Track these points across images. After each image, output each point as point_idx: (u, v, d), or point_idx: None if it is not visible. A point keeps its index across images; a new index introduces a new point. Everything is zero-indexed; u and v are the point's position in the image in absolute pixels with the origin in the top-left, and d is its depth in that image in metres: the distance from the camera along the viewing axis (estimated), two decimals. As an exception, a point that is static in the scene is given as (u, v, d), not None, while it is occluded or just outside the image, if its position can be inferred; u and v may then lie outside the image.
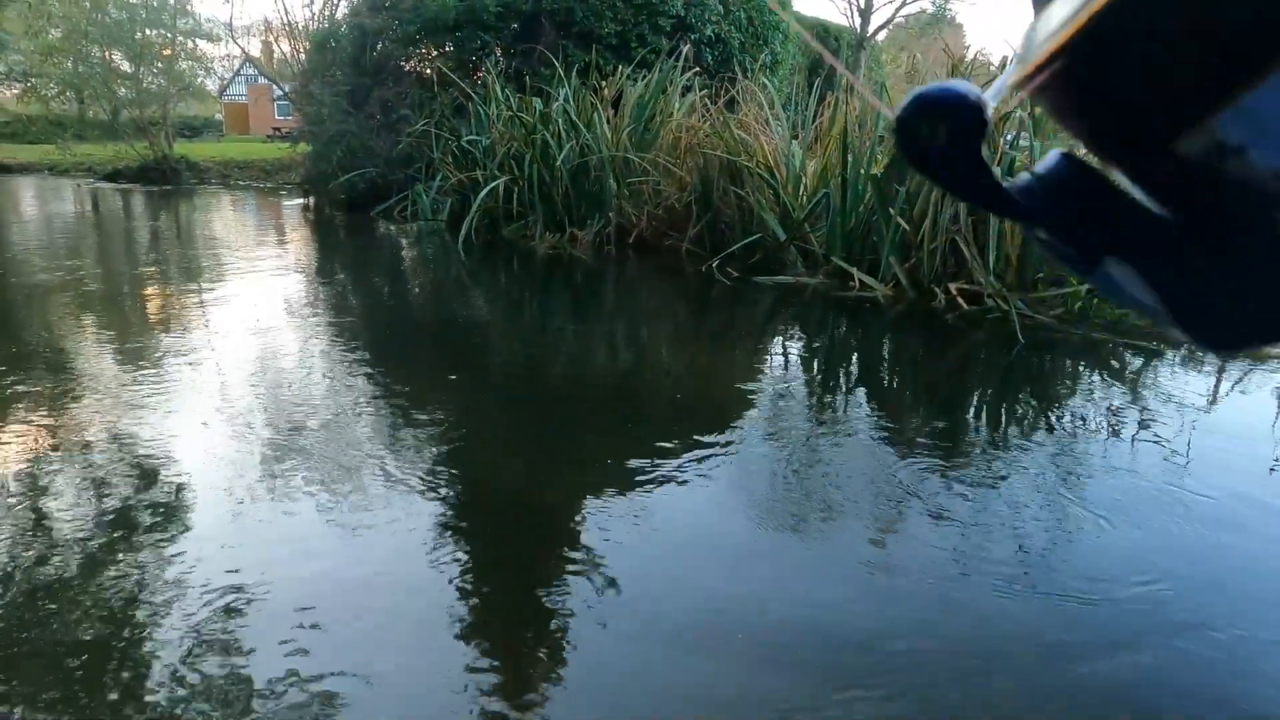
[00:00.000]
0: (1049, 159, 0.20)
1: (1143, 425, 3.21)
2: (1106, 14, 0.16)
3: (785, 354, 4.47)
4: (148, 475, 2.45)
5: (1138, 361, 4.21)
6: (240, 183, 17.30)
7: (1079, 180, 0.20)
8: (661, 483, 2.48)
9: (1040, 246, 0.21)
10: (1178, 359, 4.22)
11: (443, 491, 2.43)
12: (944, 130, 0.20)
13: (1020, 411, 3.57)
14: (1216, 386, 3.85)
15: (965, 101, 0.20)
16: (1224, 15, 0.16)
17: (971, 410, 3.58)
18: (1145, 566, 2.06)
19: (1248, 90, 0.16)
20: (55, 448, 2.66)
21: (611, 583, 1.93)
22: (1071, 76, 0.17)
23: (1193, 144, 0.17)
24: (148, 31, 19.21)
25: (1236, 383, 3.91)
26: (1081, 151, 0.21)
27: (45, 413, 2.98)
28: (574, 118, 7.63)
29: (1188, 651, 1.74)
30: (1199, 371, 4.06)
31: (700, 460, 2.67)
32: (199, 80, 23.60)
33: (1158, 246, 0.19)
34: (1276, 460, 2.87)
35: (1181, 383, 3.84)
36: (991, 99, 0.21)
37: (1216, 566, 2.10)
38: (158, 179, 17.33)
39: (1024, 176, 0.21)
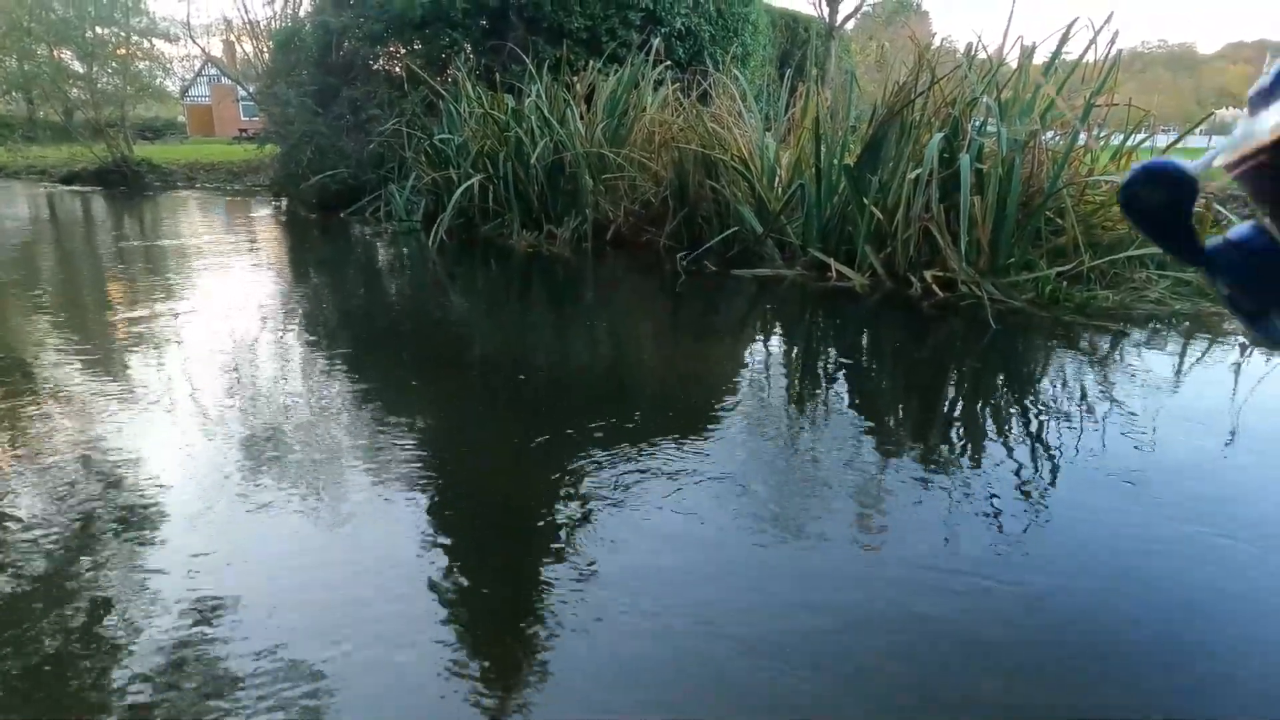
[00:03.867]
0: (1241, 228, 0.25)
1: (1111, 402, 3.31)
2: None
3: (766, 346, 4.53)
4: (120, 482, 2.45)
5: (1105, 342, 4.33)
6: (207, 185, 17.02)
7: (1264, 248, 0.24)
8: (643, 475, 2.52)
9: (1220, 297, 0.26)
10: (1143, 339, 4.35)
11: (420, 491, 2.46)
12: (1163, 195, 0.24)
13: (995, 393, 3.66)
14: (1180, 364, 3.97)
15: (1184, 176, 0.25)
16: None
17: (948, 393, 3.66)
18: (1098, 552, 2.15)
19: None
20: (22, 457, 2.65)
21: (594, 576, 1.97)
22: (1272, 170, 0.22)
23: None
24: (99, 30, 18.74)
25: (1198, 360, 4.04)
26: (1268, 223, 0.25)
27: (11, 422, 2.96)
28: (547, 114, 7.63)
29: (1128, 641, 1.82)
30: (1163, 351, 4.19)
31: (682, 453, 2.71)
32: (158, 81, 23.13)
33: None
34: (1232, 434, 2.98)
35: (1147, 361, 3.96)
36: (1198, 172, 0.26)
37: (1179, 554, 2.19)
38: (118, 182, 16.99)
39: (1218, 239, 0.26)
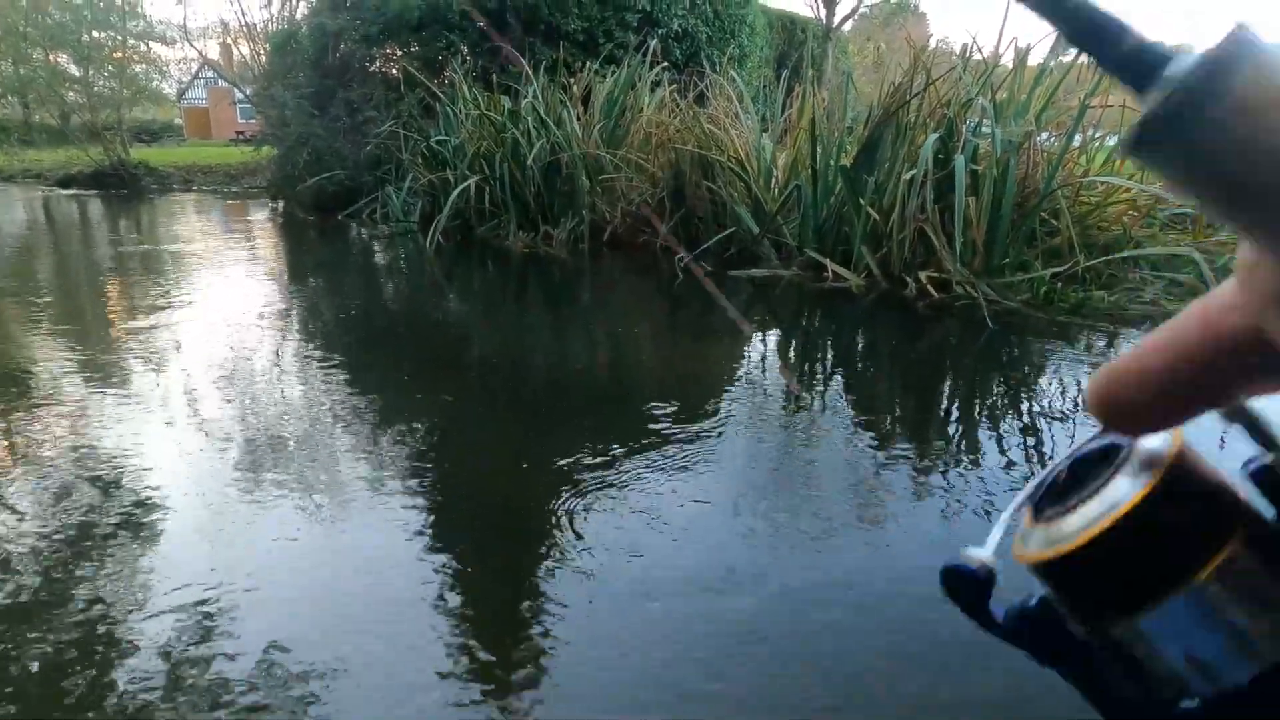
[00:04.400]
0: (1031, 599, 0.26)
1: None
2: (1099, 541, 0.22)
3: (763, 346, 4.54)
4: (121, 486, 2.46)
5: (1100, 342, 4.35)
6: (204, 188, 17.00)
7: (1047, 619, 0.26)
8: (642, 474, 2.53)
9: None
10: (1137, 339, 4.36)
11: (419, 491, 2.46)
12: (963, 599, 0.25)
13: (991, 393, 3.67)
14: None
15: (974, 576, 0.25)
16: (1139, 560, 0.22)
17: (944, 393, 3.68)
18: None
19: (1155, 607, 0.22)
20: (22, 459, 2.66)
21: (591, 575, 1.98)
22: (1062, 570, 0.23)
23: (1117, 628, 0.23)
24: (95, 34, 18.72)
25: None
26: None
27: (9, 425, 2.96)
28: (543, 115, 7.64)
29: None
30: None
31: (680, 454, 2.72)
32: (155, 84, 23.08)
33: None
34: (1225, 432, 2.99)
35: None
36: (990, 561, 0.26)
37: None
38: (115, 185, 16.95)
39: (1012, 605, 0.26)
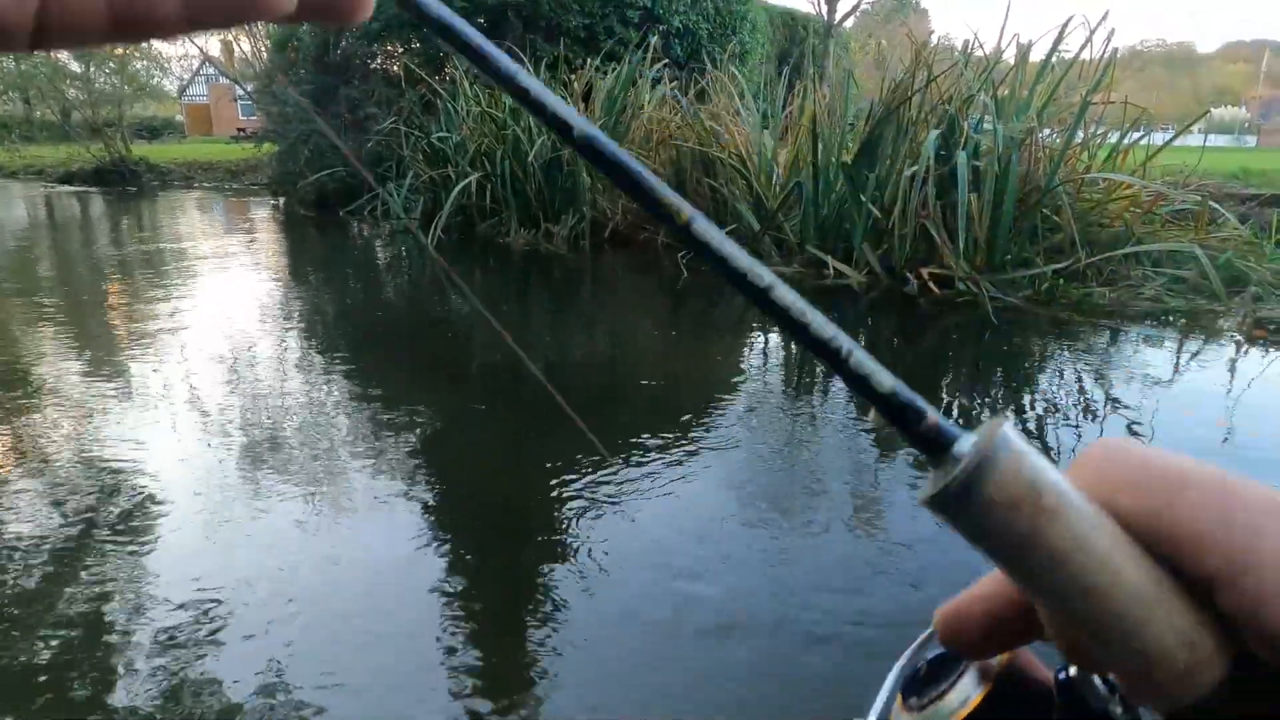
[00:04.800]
0: None
1: (1107, 397, 3.32)
2: None
3: (764, 344, 4.53)
4: (123, 485, 2.46)
5: (1101, 339, 4.34)
6: (205, 184, 17.00)
7: None
8: (644, 472, 2.53)
9: None
10: (1140, 336, 4.36)
11: (420, 491, 2.46)
12: None
13: (992, 389, 3.67)
14: (1175, 361, 3.98)
15: None
16: None
17: (945, 389, 3.67)
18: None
19: None
20: (26, 458, 2.66)
21: (592, 574, 1.98)
22: None
23: None
24: (96, 30, 18.72)
25: (1194, 357, 4.05)
26: None
27: (15, 423, 2.96)
28: (545, 112, 7.62)
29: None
30: (1159, 347, 4.20)
31: (681, 450, 2.72)
32: (155, 80, 23.07)
33: None
34: (1229, 430, 2.99)
35: (1143, 358, 3.98)
36: None
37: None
38: (116, 181, 16.95)
39: None
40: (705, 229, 0.22)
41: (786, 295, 0.21)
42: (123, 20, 0.22)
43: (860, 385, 0.21)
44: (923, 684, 0.29)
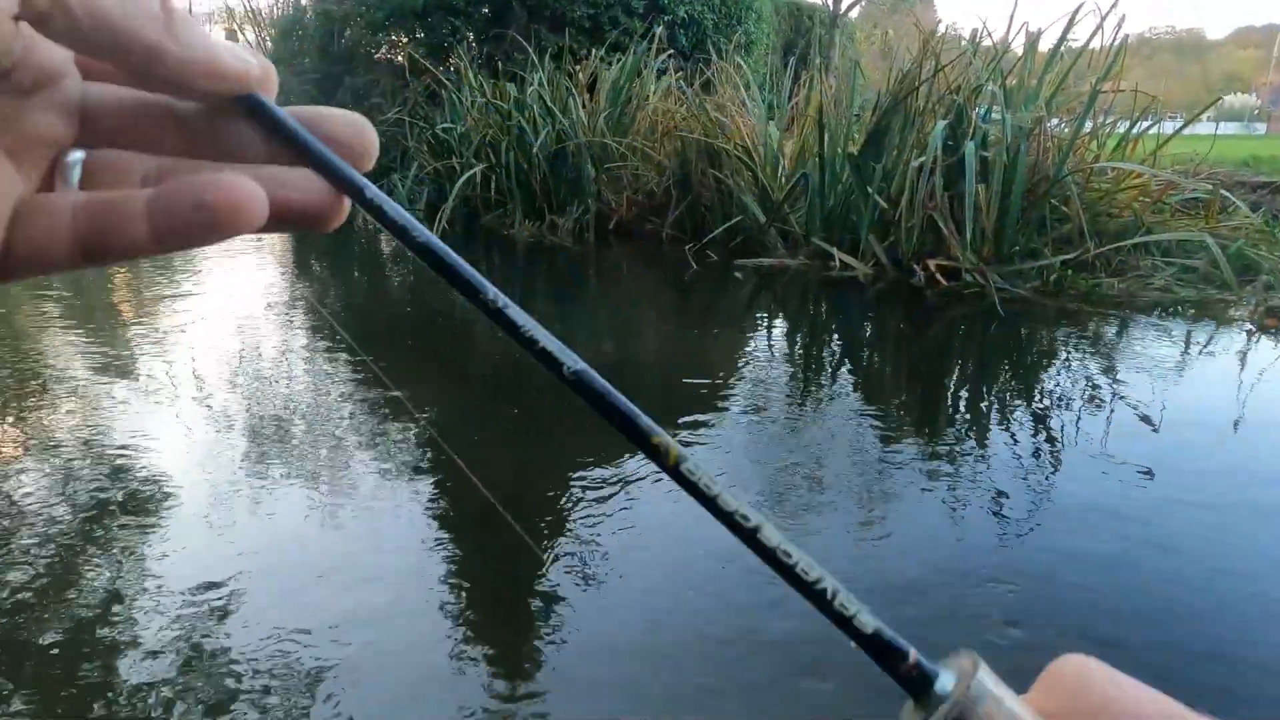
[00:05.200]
0: None
1: (1115, 389, 3.30)
2: None
3: (769, 336, 4.52)
4: (129, 475, 2.46)
5: (1110, 330, 4.32)
6: (209, 175, 16.99)
7: None
8: (648, 468, 2.52)
9: None
10: (1149, 326, 4.34)
11: (424, 483, 2.46)
12: None
13: (1000, 382, 3.65)
14: (1185, 351, 3.96)
15: None
16: None
17: (953, 382, 3.66)
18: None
19: None
20: (33, 444, 2.67)
21: (596, 566, 1.98)
22: None
23: None
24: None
25: (1204, 347, 4.03)
26: None
27: (21, 408, 2.97)
28: (549, 103, 7.60)
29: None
30: (1169, 338, 4.17)
31: (687, 443, 2.72)
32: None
33: None
34: (1239, 420, 2.98)
35: (1152, 349, 3.95)
36: None
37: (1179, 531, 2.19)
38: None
39: None
40: (694, 470, 0.23)
41: (773, 536, 0.22)
42: (91, 251, 0.23)
43: (844, 625, 0.21)
44: None
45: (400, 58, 10.42)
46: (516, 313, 0.24)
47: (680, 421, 2.92)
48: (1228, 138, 12.57)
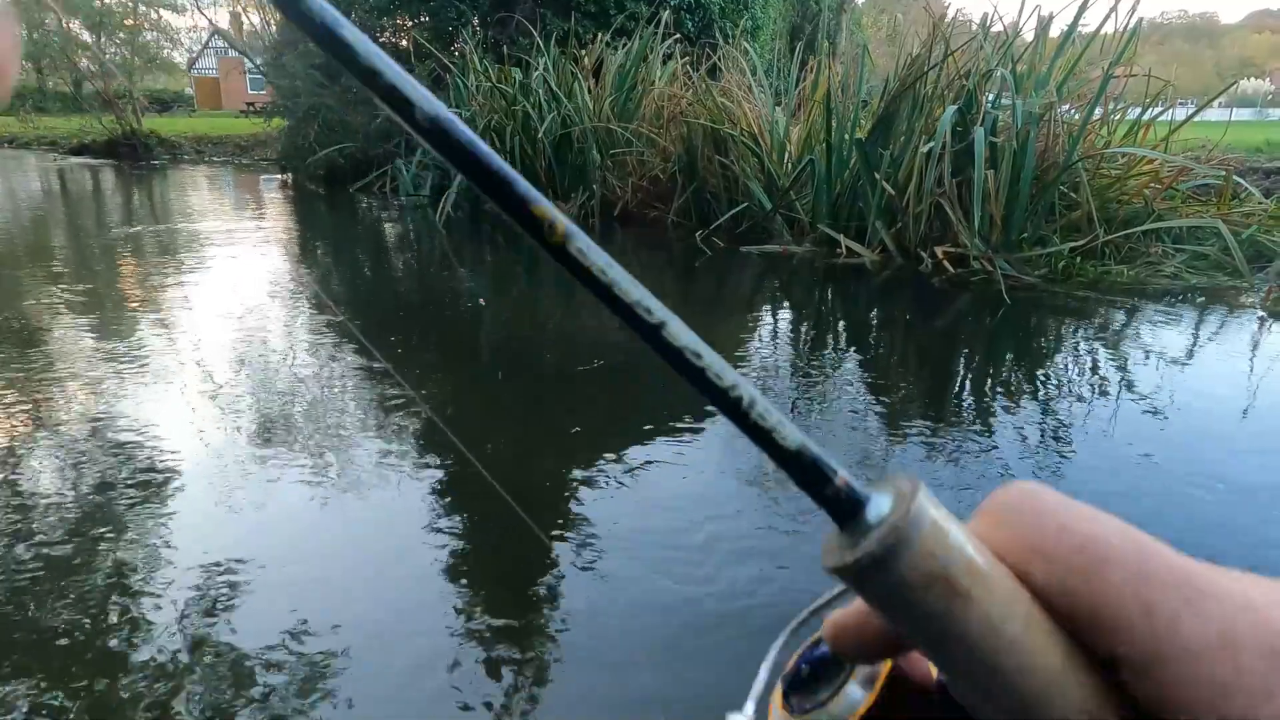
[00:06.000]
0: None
1: (1123, 376, 3.27)
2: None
3: (774, 323, 4.50)
4: (136, 461, 2.46)
5: (1119, 318, 4.28)
6: (215, 159, 16.98)
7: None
8: (654, 452, 2.52)
9: None
10: (1159, 314, 4.30)
11: (430, 470, 2.46)
12: None
13: (1006, 369, 3.62)
14: (1195, 338, 3.93)
15: None
16: None
17: (959, 369, 3.64)
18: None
19: None
20: (42, 426, 2.67)
21: (601, 554, 1.97)
22: None
23: None
24: (107, 0, 18.71)
25: (1214, 334, 4.00)
26: None
27: (28, 391, 2.97)
28: (554, 88, 7.55)
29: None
30: (1176, 326, 4.14)
31: (691, 430, 2.70)
32: (165, 52, 23.03)
33: None
34: (1247, 408, 2.95)
35: (1161, 336, 3.92)
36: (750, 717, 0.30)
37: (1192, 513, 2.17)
38: (128, 154, 16.97)
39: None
40: (587, 248, 0.19)
41: (681, 334, 0.19)
42: None
43: (763, 440, 0.19)
44: (805, 685, 0.29)
45: (405, 42, 10.36)
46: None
47: (685, 406, 2.91)
48: (1241, 124, 12.43)
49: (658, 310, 0.19)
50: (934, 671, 0.28)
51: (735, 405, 0.19)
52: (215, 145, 18.29)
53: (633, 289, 0.19)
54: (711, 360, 0.19)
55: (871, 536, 0.18)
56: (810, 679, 0.29)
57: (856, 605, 0.22)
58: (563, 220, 0.18)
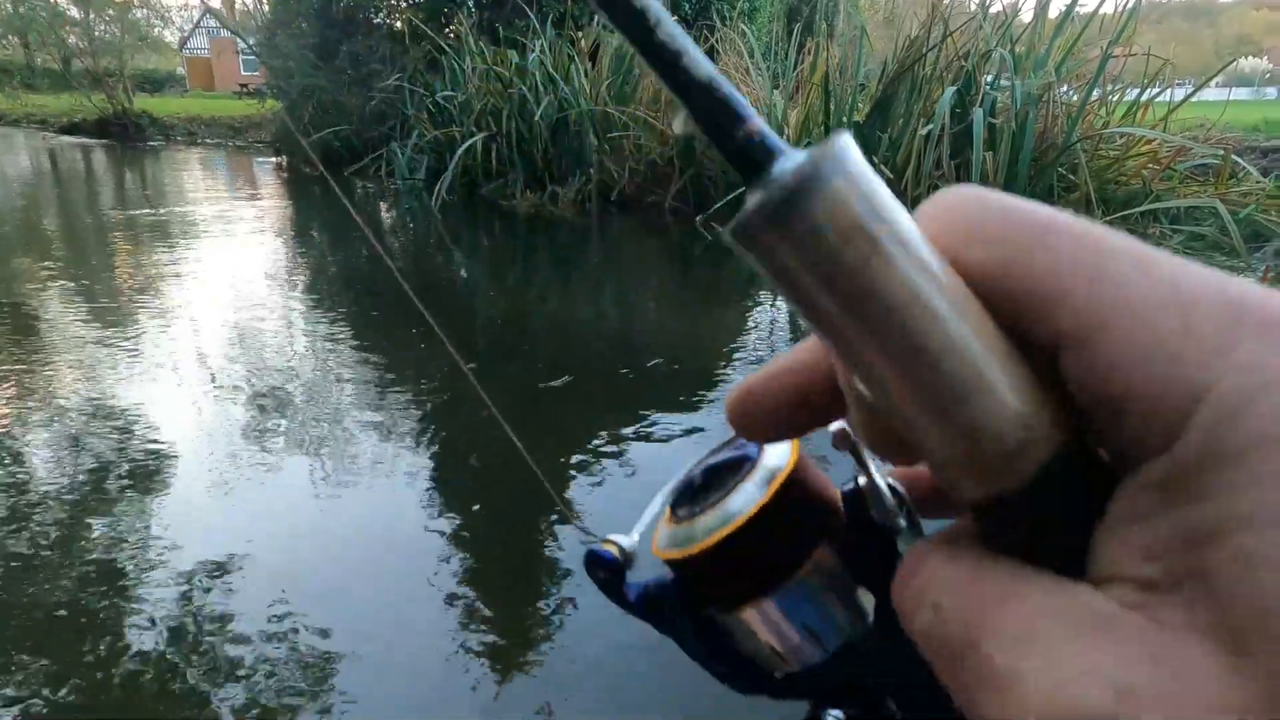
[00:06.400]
0: (659, 581, 0.30)
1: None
2: (718, 547, 0.26)
3: (772, 310, 4.50)
4: (130, 447, 2.47)
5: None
6: (208, 141, 16.85)
7: (668, 601, 0.30)
8: (650, 438, 2.53)
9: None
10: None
11: (426, 458, 2.47)
12: (602, 575, 0.29)
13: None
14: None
15: (614, 560, 0.29)
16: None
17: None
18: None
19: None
20: (36, 409, 2.69)
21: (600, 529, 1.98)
22: (686, 567, 0.28)
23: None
24: (95, -26, 18.45)
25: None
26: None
27: (22, 374, 2.97)
28: (551, 70, 7.49)
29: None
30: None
31: (687, 414, 2.72)
32: (156, 30, 22.74)
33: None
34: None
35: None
36: (631, 549, 0.30)
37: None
38: (119, 135, 16.81)
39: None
40: None
41: None
42: None
43: (666, 69, 0.16)
44: (695, 494, 0.28)
45: (399, 23, 10.26)
46: None
47: (681, 395, 2.92)
48: (1239, 103, 12.38)
49: None
50: (838, 496, 0.27)
51: (639, 21, 0.16)
52: (208, 127, 18.13)
53: None
54: None
55: (784, 176, 0.16)
56: (701, 488, 0.28)
57: (766, 369, 0.21)
58: None
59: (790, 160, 0.16)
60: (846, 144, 0.16)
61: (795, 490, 0.27)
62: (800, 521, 0.27)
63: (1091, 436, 0.17)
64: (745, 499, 0.26)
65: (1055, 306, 0.16)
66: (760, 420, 0.21)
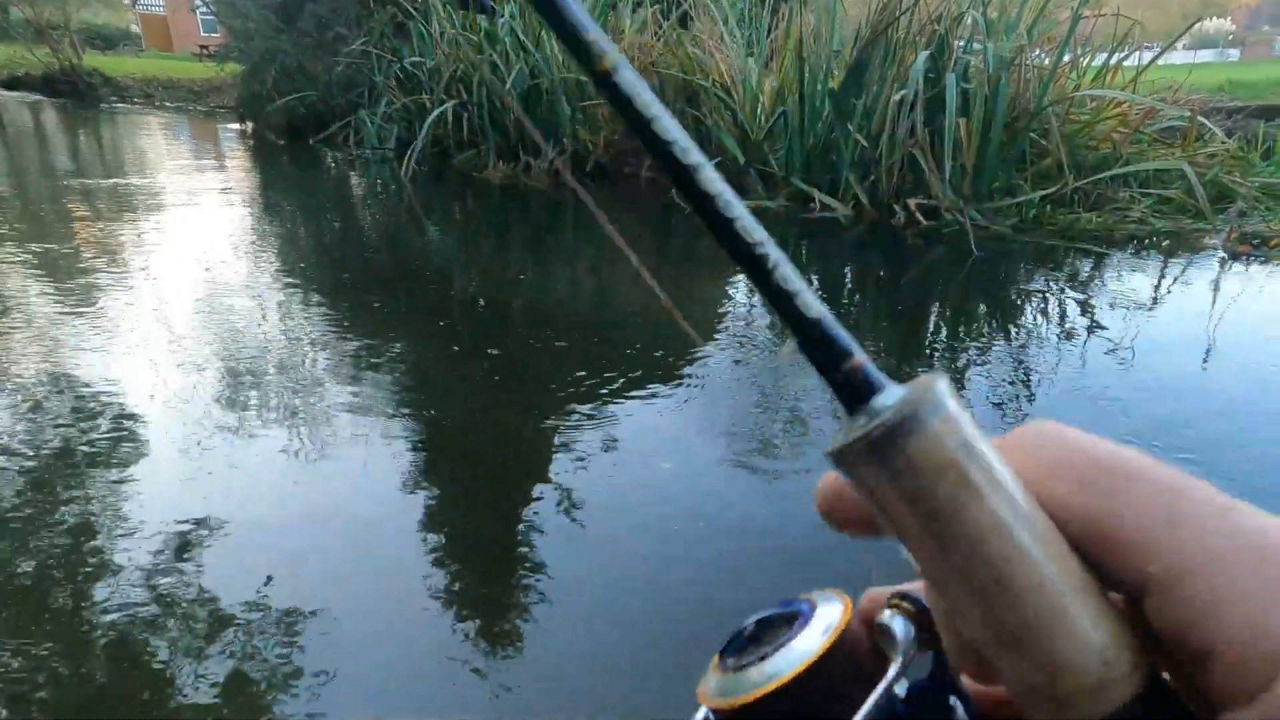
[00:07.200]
0: None
1: (1090, 323, 3.38)
2: (766, 700, 0.24)
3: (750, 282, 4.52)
4: (103, 412, 2.45)
5: (1086, 265, 4.39)
6: (167, 105, 16.35)
7: None
8: (627, 412, 2.55)
9: None
10: (1123, 261, 4.42)
11: (403, 430, 2.47)
12: None
13: (974, 320, 3.71)
14: (1159, 283, 4.06)
15: None
16: None
17: (929, 322, 3.71)
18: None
19: None
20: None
21: (580, 503, 2.02)
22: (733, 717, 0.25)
23: None
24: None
25: (1177, 278, 4.13)
26: None
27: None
28: (521, 37, 7.36)
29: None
30: (1143, 271, 4.26)
31: (667, 387, 2.74)
32: (101, -19, 21.69)
33: None
34: (1209, 352, 3.08)
35: (1127, 282, 4.06)
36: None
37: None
38: (68, 93, 16.21)
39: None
40: (631, 82, 0.18)
41: (714, 181, 0.19)
42: None
43: (783, 306, 0.18)
44: (745, 644, 0.27)
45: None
46: None
47: (659, 363, 2.95)
48: (1204, 66, 12.47)
49: (695, 154, 0.18)
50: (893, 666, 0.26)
51: (760, 264, 0.18)
52: (167, 89, 17.59)
53: (672, 127, 0.18)
54: (742, 214, 0.18)
55: (885, 412, 0.17)
56: (752, 639, 0.27)
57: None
58: (614, 54, 0.18)
59: (891, 395, 0.18)
60: (943, 387, 0.18)
61: (842, 656, 0.26)
62: (845, 683, 0.26)
63: (1173, 675, 0.18)
64: (797, 653, 0.26)
65: (1140, 552, 0.17)
66: (846, 519, 0.22)
